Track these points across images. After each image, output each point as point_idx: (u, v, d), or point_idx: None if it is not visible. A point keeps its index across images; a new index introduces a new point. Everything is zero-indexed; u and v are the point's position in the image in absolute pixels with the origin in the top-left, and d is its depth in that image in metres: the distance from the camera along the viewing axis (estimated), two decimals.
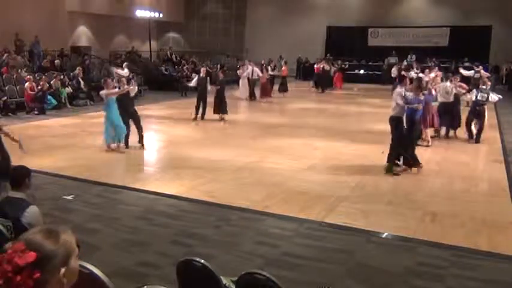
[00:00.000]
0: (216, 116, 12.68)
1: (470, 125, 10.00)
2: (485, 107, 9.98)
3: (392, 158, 7.50)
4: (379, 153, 8.06)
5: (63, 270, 1.32)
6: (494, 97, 9.99)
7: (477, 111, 9.83)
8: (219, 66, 21.83)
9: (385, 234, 5.03)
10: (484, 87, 9.97)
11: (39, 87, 14.17)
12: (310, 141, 9.90)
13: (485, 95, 9.75)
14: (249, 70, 17.60)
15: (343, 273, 4.17)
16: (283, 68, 19.41)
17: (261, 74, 17.68)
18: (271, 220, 5.45)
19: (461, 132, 10.28)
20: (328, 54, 27.08)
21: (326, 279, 4.03)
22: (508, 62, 22.71)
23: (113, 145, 8.97)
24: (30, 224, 3.13)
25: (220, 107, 12.61)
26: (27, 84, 14.24)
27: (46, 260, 1.28)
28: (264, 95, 17.69)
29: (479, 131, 9.90)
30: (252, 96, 17.64)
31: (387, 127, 7.76)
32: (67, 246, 1.35)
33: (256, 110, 15.22)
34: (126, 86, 9.08)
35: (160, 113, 14.42)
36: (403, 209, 5.78)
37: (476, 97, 9.81)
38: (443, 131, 10.36)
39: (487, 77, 12.40)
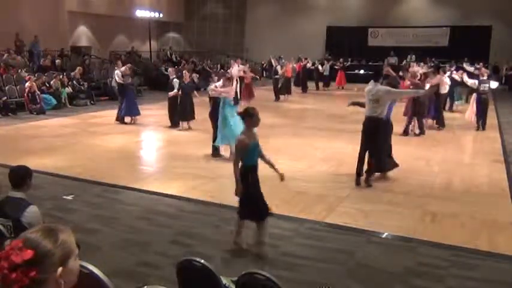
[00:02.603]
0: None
1: (481, 113, 11.25)
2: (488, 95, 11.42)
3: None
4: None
5: (60, 270, 1.31)
6: (494, 84, 11.69)
7: (482, 100, 11.13)
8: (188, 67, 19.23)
9: (385, 234, 5.03)
10: (484, 78, 11.39)
11: (26, 89, 14.06)
12: (310, 141, 9.90)
13: (487, 85, 11.23)
14: (233, 70, 16.20)
15: (343, 273, 4.17)
16: (288, 67, 18.12)
17: (238, 73, 15.65)
18: (271, 220, 5.42)
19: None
20: (327, 54, 27.10)
21: (326, 279, 4.03)
22: (508, 62, 22.72)
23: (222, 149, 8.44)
24: (30, 224, 3.13)
25: (184, 114, 11.20)
26: (27, 84, 14.23)
27: (42, 258, 1.27)
28: (247, 96, 15.82)
29: (485, 118, 11.27)
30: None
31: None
32: (65, 246, 1.34)
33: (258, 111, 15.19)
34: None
35: (160, 112, 14.36)
36: (403, 209, 5.78)
37: (479, 88, 11.22)
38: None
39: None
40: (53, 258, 1.29)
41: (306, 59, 21.51)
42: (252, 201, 4.54)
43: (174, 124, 11.53)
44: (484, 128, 11.22)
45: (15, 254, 1.25)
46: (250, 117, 4.50)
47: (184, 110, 11.19)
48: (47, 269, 1.28)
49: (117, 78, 12.94)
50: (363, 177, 6.76)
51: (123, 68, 12.59)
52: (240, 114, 4.72)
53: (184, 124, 11.32)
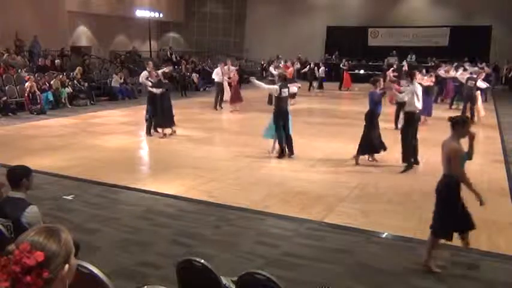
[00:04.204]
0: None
1: (465, 108, 12.37)
2: (478, 92, 12.40)
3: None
4: (379, 153, 8.10)
5: (66, 267, 1.36)
6: (482, 84, 12.59)
7: (469, 95, 12.29)
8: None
9: (385, 234, 5.03)
10: (474, 76, 12.60)
11: (27, 89, 14.03)
12: (310, 141, 9.90)
13: (473, 82, 12.32)
14: (217, 72, 15.19)
15: (343, 273, 4.17)
16: (289, 69, 16.32)
17: (222, 77, 14.96)
18: (271, 220, 5.45)
19: None
20: (326, 54, 27.09)
21: (326, 279, 4.03)
22: (508, 62, 22.71)
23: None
24: (30, 224, 3.13)
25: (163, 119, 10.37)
26: (27, 83, 14.23)
27: (52, 259, 1.32)
28: (234, 101, 14.85)
29: (472, 111, 12.09)
30: (218, 103, 15.10)
31: (387, 127, 7.81)
32: (67, 245, 1.39)
33: (255, 110, 15.19)
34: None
35: None
36: (403, 209, 5.78)
37: (466, 84, 12.47)
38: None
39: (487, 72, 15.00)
40: (59, 257, 1.34)
41: (293, 63, 19.40)
42: (464, 212, 4.20)
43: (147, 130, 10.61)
44: (472, 120, 11.90)
45: (26, 257, 1.27)
46: (464, 125, 4.18)
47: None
48: (56, 269, 1.33)
49: (140, 79, 11.86)
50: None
51: (160, 71, 11.58)
52: (450, 119, 4.25)
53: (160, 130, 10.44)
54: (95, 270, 2.17)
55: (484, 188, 6.75)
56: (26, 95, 13.99)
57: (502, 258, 4.45)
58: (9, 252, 1.29)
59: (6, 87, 14.40)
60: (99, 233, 5.01)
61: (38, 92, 14.16)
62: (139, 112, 13.81)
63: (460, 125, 4.15)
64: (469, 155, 4.30)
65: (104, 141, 9.99)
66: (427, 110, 11.63)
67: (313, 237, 4.94)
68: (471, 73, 13.31)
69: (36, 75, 15.57)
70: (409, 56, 24.63)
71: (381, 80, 8.87)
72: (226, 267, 3.88)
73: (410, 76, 8.09)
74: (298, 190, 6.49)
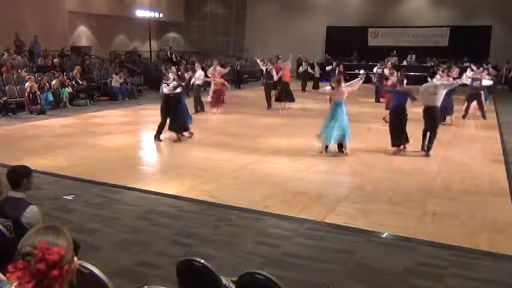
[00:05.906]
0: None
1: (469, 106, 12.96)
2: (481, 92, 12.99)
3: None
4: (379, 152, 8.12)
5: (75, 260, 1.48)
6: (487, 82, 13.36)
7: (473, 95, 12.86)
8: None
9: (385, 234, 5.03)
10: (477, 76, 13.13)
11: (27, 89, 14.02)
12: (310, 141, 9.88)
13: (478, 82, 12.85)
14: (196, 74, 13.92)
15: (343, 273, 4.17)
16: (286, 70, 15.61)
17: (202, 77, 14.03)
18: (271, 220, 5.45)
19: None
20: (326, 54, 27.07)
21: (326, 279, 4.03)
22: (508, 62, 22.71)
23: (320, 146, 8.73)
24: (30, 224, 3.13)
25: (174, 122, 9.91)
26: (27, 83, 14.23)
27: (66, 253, 1.42)
28: (215, 103, 14.14)
29: (482, 108, 12.98)
30: (197, 108, 13.85)
31: (386, 126, 7.87)
32: (70, 239, 1.48)
33: (255, 110, 15.20)
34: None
35: None
36: (402, 209, 5.78)
37: (472, 84, 12.91)
38: None
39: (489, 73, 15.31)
40: (69, 251, 1.44)
41: (285, 61, 17.56)
42: None
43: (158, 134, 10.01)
44: (464, 118, 12.89)
45: (47, 253, 1.35)
46: None
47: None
48: (69, 261, 1.43)
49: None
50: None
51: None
52: None
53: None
54: (95, 270, 2.17)
55: (484, 188, 6.77)
56: (26, 95, 13.98)
57: (502, 258, 4.45)
58: (27, 254, 1.35)
59: (7, 87, 14.39)
60: (99, 233, 5.01)
61: (38, 92, 14.15)
62: (139, 112, 13.84)
63: None
64: None
65: (104, 141, 9.99)
66: (450, 109, 11.94)
67: (313, 237, 4.94)
68: (474, 74, 13.65)
69: (36, 75, 15.56)
70: (409, 56, 24.61)
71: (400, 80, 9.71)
72: (226, 267, 3.87)
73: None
74: (298, 190, 6.49)
